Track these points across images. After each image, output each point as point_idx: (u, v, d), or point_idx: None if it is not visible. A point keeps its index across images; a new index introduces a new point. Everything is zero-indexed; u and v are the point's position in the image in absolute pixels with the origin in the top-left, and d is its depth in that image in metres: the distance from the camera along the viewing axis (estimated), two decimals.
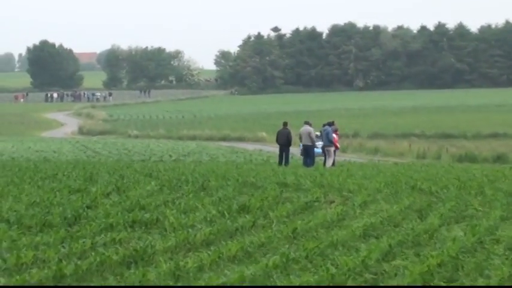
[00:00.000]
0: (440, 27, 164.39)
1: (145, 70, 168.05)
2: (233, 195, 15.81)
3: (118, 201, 14.64)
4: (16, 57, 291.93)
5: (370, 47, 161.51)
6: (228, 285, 8.62)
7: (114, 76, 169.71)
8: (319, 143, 35.43)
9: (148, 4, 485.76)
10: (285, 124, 31.35)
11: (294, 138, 32.20)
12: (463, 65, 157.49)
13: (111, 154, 46.19)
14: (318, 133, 34.12)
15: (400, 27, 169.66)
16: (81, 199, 14.62)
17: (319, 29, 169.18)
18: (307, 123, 30.79)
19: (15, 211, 13.01)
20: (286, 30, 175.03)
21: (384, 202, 15.30)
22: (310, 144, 30.11)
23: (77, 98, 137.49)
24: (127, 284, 8.76)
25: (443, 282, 9.07)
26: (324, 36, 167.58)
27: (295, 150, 38.73)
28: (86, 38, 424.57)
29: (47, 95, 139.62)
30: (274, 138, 32.51)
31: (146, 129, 78.12)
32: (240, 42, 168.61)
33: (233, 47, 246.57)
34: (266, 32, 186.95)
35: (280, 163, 30.42)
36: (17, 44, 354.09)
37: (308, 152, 30.25)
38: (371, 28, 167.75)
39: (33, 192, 15.67)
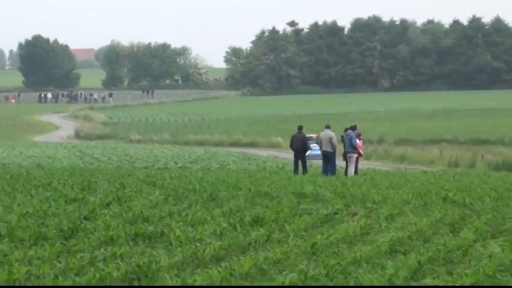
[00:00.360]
0: (475, 21, 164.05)
1: (149, 68, 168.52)
2: (245, 206, 15.85)
3: (119, 212, 14.70)
4: (6, 54, 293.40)
5: (396, 43, 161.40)
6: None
7: (114, 75, 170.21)
8: (314, 146, 37.38)
9: None
10: (300, 128, 31.39)
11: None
12: (500, 63, 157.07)
13: (111, 160, 46.39)
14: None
15: (430, 22, 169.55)
16: (78, 210, 14.68)
17: (340, 23, 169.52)
18: (328, 127, 30.82)
19: (6, 222, 13.07)
20: (304, 24, 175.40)
21: (412, 215, 15.30)
22: (331, 150, 30.00)
23: (73, 98, 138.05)
24: None
25: None
26: (346, 31, 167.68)
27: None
28: (83, 32, 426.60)
29: (40, 95, 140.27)
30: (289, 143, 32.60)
31: (149, 133, 78.35)
32: (253, 38, 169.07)
33: (245, 43, 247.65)
34: (282, 26, 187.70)
35: (296, 171, 30.40)
36: (8, 39, 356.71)
37: (328, 159, 30.18)
38: (398, 22, 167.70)
39: (26, 202, 15.75)
